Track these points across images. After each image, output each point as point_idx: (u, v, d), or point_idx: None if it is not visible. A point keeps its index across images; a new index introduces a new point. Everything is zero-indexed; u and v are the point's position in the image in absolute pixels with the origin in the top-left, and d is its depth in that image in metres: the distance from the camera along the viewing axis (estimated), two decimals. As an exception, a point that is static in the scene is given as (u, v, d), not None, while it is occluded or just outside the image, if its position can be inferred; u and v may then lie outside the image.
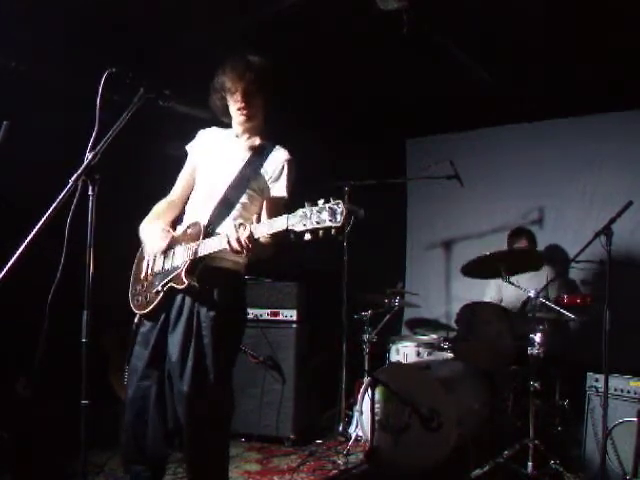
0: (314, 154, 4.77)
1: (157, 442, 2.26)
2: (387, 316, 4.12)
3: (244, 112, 2.31)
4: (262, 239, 2.02)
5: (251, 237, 1.96)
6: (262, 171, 2.33)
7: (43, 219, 1.69)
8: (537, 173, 4.95)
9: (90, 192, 1.81)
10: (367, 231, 4.70)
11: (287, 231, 1.87)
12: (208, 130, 2.54)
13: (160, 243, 2.30)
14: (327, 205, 1.78)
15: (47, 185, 2.03)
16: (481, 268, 3.70)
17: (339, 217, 1.75)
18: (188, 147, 2.54)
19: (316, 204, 1.80)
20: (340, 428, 3.89)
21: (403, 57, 4.04)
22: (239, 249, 1.99)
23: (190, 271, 2.18)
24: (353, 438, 3.63)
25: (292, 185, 2.36)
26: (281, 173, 2.33)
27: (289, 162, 2.36)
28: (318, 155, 4.79)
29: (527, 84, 4.32)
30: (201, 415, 2.17)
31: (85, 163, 1.80)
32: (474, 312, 3.72)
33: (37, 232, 1.68)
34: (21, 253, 1.65)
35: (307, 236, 1.81)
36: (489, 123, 5.10)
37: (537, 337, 3.22)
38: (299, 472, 3.27)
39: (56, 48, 3.16)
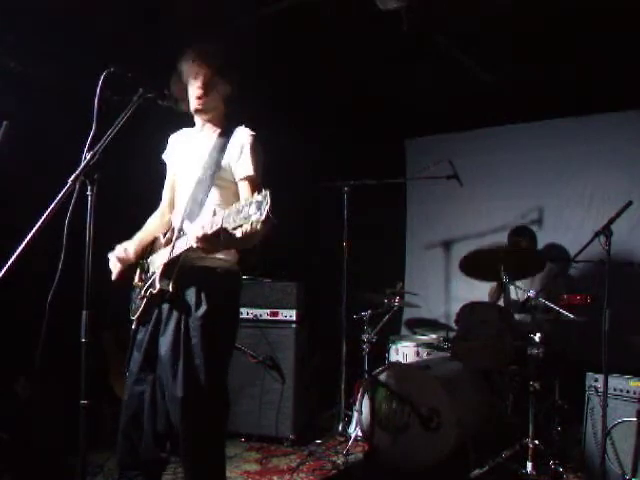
0: (314, 154, 4.79)
1: (149, 445, 2.25)
2: (387, 316, 4.12)
3: (200, 101, 2.26)
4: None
5: (204, 236, 1.88)
6: (225, 159, 2.26)
7: (42, 219, 1.69)
8: (537, 173, 4.95)
9: (89, 192, 1.81)
10: (367, 231, 4.72)
11: (222, 229, 1.80)
12: (177, 133, 2.51)
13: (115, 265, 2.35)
14: (255, 198, 1.69)
15: (47, 185, 2.04)
16: (480, 266, 3.71)
17: (263, 210, 1.65)
18: (164, 156, 2.53)
19: (249, 198, 1.72)
20: (340, 428, 3.89)
21: (403, 57, 4.05)
22: (200, 245, 1.93)
23: (164, 275, 2.17)
24: (352, 438, 3.63)
25: (259, 161, 2.26)
26: (242, 151, 2.24)
27: (250, 138, 2.27)
28: (318, 155, 4.80)
29: (527, 84, 4.33)
30: (195, 416, 2.16)
31: (83, 163, 1.80)
32: (474, 312, 3.72)
33: (36, 232, 1.68)
34: (20, 253, 1.65)
35: (237, 233, 1.74)
36: (489, 123, 5.10)
37: (537, 337, 3.22)
38: (298, 472, 3.27)
39: (56, 48, 3.17)
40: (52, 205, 1.72)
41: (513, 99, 4.50)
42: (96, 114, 1.88)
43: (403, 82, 4.42)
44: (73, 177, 1.77)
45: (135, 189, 3.31)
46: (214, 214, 1.89)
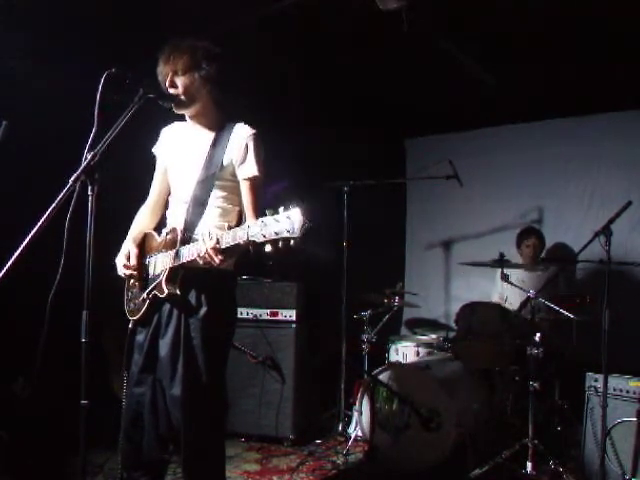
0: (314, 154, 4.78)
1: (152, 447, 2.26)
2: (387, 316, 4.12)
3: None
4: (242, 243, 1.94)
5: (217, 249, 1.87)
6: (227, 157, 2.23)
7: (42, 219, 1.69)
8: (537, 173, 4.95)
9: (89, 192, 1.81)
10: (367, 231, 4.72)
11: (248, 242, 1.77)
12: (170, 127, 2.47)
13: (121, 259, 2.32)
14: (285, 214, 1.67)
15: (47, 185, 2.03)
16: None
17: (296, 227, 1.65)
18: (154, 149, 2.49)
19: (277, 212, 1.69)
20: (339, 428, 3.88)
21: (403, 57, 4.05)
22: (208, 261, 1.92)
23: (170, 279, 2.14)
24: (352, 438, 3.62)
25: (263, 160, 2.25)
26: (246, 152, 2.22)
27: (252, 137, 2.24)
28: (318, 155, 4.80)
29: (527, 84, 4.33)
30: (195, 417, 2.16)
31: (84, 163, 1.80)
32: (474, 312, 3.72)
33: (37, 232, 1.68)
34: (21, 253, 1.65)
35: (267, 247, 1.72)
36: (489, 123, 5.11)
37: (537, 337, 3.22)
38: (298, 472, 3.27)
39: (56, 48, 3.16)
40: (52, 205, 1.72)
41: (513, 99, 4.50)
42: (97, 114, 1.87)
43: (403, 82, 4.42)
44: (74, 177, 1.77)
45: (136, 189, 3.31)
46: (230, 228, 1.87)
